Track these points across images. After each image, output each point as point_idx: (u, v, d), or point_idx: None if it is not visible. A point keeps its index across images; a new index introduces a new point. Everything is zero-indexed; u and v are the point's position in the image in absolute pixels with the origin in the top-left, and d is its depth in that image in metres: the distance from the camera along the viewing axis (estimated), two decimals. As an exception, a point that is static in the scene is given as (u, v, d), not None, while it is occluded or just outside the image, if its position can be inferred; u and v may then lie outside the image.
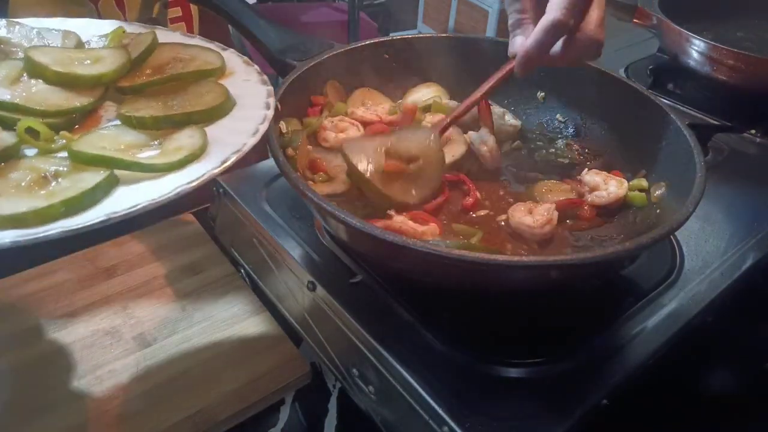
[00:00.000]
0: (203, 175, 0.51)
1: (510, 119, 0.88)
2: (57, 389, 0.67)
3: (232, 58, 0.71)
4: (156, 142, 0.57)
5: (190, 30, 1.20)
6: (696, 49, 1.07)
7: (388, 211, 0.68)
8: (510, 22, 0.73)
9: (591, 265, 0.55)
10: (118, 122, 0.60)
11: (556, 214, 0.70)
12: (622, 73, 1.21)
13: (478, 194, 0.76)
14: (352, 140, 0.75)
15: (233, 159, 0.54)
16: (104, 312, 0.77)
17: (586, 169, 0.79)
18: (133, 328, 0.75)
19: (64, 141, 0.56)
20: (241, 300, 0.80)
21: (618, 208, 0.75)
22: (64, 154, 0.54)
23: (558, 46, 0.69)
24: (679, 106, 1.10)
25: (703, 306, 0.68)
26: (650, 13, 1.15)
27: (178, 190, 0.50)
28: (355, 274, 0.70)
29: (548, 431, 0.55)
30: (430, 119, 0.83)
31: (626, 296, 0.69)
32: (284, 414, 0.71)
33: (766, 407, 0.79)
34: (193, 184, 0.50)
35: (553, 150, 0.88)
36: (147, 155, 0.55)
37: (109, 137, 0.56)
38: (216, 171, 0.52)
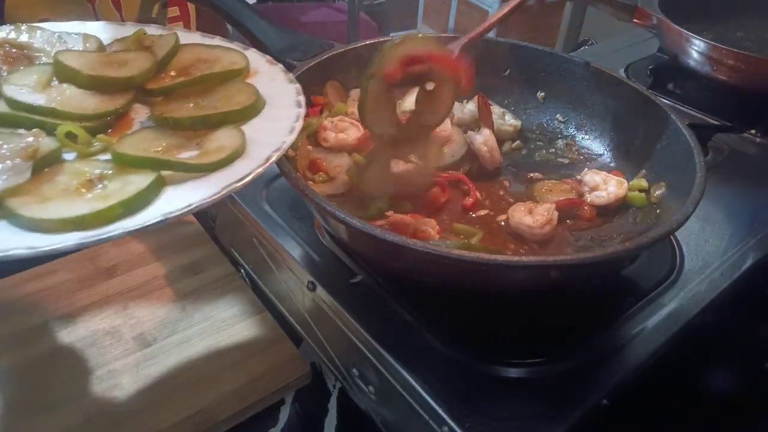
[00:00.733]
0: (250, 174, 0.52)
1: (510, 119, 0.88)
2: (57, 389, 0.67)
3: (255, 57, 0.71)
4: (194, 143, 0.58)
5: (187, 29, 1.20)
6: (696, 49, 1.07)
7: (387, 213, 0.68)
8: None
9: (591, 265, 0.55)
10: (149, 124, 0.61)
11: (556, 214, 0.70)
12: (622, 73, 1.21)
13: (478, 194, 0.76)
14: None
15: (275, 157, 0.54)
16: (104, 312, 0.77)
17: (586, 169, 0.79)
18: (133, 328, 0.75)
19: (100, 144, 0.57)
20: (241, 300, 0.80)
21: (618, 208, 0.75)
22: (104, 157, 0.55)
23: None
24: (679, 106, 1.10)
25: (703, 306, 0.68)
26: (650, 13, 1.14)
27: (228, 189, 0.50)
28: (355, 274, 0.70)
29: (548, 431, 0.55)
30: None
31: (626, 296, 0.69)
32: (284, 414, 0.71)
33: (766, 407, 0.79)
34: (243, 182, 0.51)
35: (553, 150, 0.88)
36: (187, 156, 0.55)
37: (147, 139, 0.57)
38: (260, 170, 0.53)
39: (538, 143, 0.89)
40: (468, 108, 0.87)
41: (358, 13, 2.77)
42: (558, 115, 0.91)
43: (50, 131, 0.55)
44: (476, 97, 0.86)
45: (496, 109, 0.88)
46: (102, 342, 0.73)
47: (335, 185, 0.73)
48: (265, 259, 0.78)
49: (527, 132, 0.90)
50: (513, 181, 0.81)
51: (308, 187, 0.59)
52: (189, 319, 0.77)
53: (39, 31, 0.68)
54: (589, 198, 0.75)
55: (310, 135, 0.77)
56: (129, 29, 0.72)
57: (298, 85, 0.66)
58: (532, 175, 0.83)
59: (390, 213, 0.68)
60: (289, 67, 0.78)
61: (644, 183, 0.75)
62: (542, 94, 0.92)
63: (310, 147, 0.76)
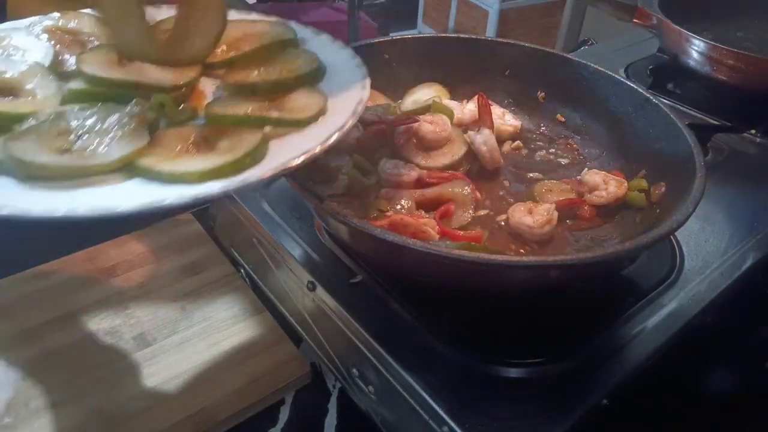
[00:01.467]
0: (347, 123, 0.55)
1: (510, 119, 0.88)
2: (57, 389, 0.67)
3: (299, 28, 0.72)
4: (272, 108, 0.59)
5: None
6: (696, 49, 1.07)
7: (386, 212, 0.68)
8: None
9: (591, 265, 0.55)
10: (221, 94, 0.63)
11: (556, 214, 0.70)
12: (622, 73, 1.21)
13: (478, 194, 0.76)
14: None
15: (360, 108, 0.58)
16: (104, 312, 0.77)
17: (586, 169, 0.79)
18: (133, 328, 0.75)
19: (187, 112, 0.59)
20: (241, 300, 0.80)
21: (618, 208, 0.75)
22: (197, 122, 0.58)
23: None
24: (679, 106, 1.10)
25: (703, 306, 0.68)
26: (650, 13, 1.14)
27: (337, 135, 0.54)
28: (355, 274, 0.70)
29: (548, 431, 0.55)
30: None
31: (626, 296, 0.69)
32: (284, 414, 0.71)
33: (766, 407, 0.79)
34: (344, 129, 0.54)
35: (553, 150, 0.88)
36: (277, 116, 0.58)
37: (231, 105, 0.59)
38: (353, 120, 0.56)
39: (538, 143, 0.89)
40: (468, 108, 0.87)
41: (358, 13, 2.76)
42: (558, 115, 0.91)
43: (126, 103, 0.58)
44: (476, 97, 0.86)
45: (496, 109, 0.88)
46: (102, 342, 0.73)
47: (335, 185, 0.73)
48: (265, 259, 0.78)
49: (527, 132, 0.90)
50: (513, 181, 0.81)
51: (308, 187, 0.59)
52: (189, 319, 0.77)
53: (86, 18, 0.70)
54: (588, 198, 0.75)
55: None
56: (165, 12, 0.72)
57: (350, 50, 0.68)
58: (532, 175, 0.82)
59: (390, 213, 0.68)
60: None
61: (644, 183, 0.75)
62: (542, 94, 0.92)
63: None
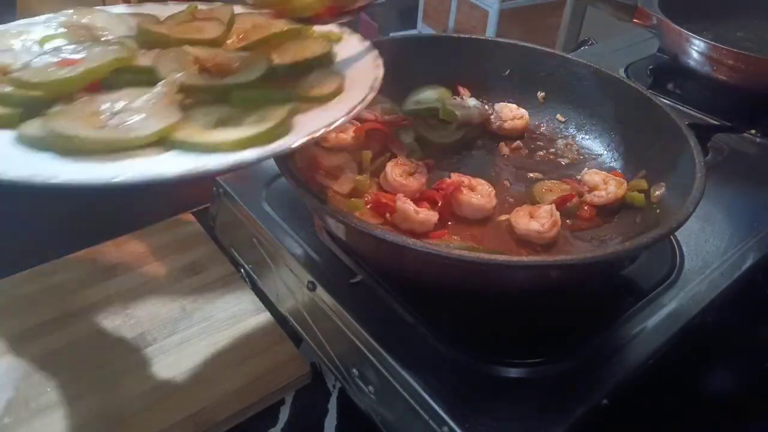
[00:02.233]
0: (366, 96, 0.59)
1: (519, 112, 0.89)
2: (57, 389, 0.67)
3: None
4: (290, 88, 0.63)
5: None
6: (696, 49, 1.07)
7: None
8: None
9: (591, 265, 0.55)
10: None
11: (558, 214, 0.70)
12: (622, 73, 1.21)
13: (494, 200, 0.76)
14: None
15: (377, 84, 0.62)
16: (104, 312, 0.77)
17: (586, 169, 0.79)
18: (133, 328, 0.75)
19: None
20: (241, 300, 0.80)
21: (618, 208, 0.75)
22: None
23: None
24: (679, 106, 1.10)
25: (703, 306, 0.68)
26: (650, 13, 1.14)
27: (359, 106, 0.58)
28: (355, 274, 0.70)
29: (548, 431, 0.55)
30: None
31: (626, 296, 0.69)
32: (284, 414, 0.71)
33: (766, 407, 0.79)
34: (364, 102, 0.59)
35: (553, 150, 0.88)
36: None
37: (254, 87, 0.61)
38: (372, 94, 0.60)
39: (538, 143, 0.89)
40: (471, 104, 0.88)
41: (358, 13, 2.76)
42: (558, 115, 0.91)
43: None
44: (474, 99, 0.87)
45: (506, 109, 0.88)
46: (102, 342, 0.73)
47: (338, 185, 0.73)
48: (265, 259, 0.78)
49: (527, 132, 0.90)
50: (513, 181, 0.81)
51: (307, 187, 0.59)
52: (189, 319, 0.77)
53: (97, 13, 0.72)
54: (588, 198, 0.75)
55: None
56: (172, 8, 0.74)
57: (358, 35, 0.72)
58: (532, 175, 0.83)
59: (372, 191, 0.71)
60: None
61: (644, 183, 0.75)
62: (542, 94, 0.92)
63: (309, 146, 0.76)
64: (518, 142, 0.88)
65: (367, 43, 0.70)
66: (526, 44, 0.91)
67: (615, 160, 0.84)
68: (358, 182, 0.73)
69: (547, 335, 0.64)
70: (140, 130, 0.53)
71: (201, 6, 0.74)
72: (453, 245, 0.65)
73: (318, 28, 0.73)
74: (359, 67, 0.66)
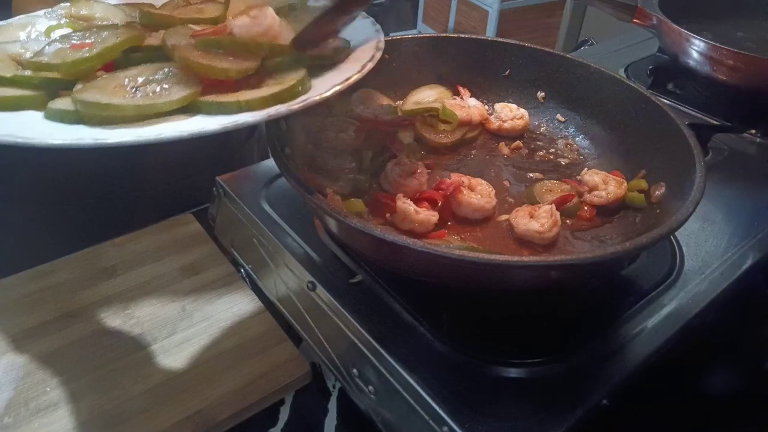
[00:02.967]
0: (373, 57, 0.64)
1: (519, 112, 0.89)
2: (57, 389, 0.67)
3: None
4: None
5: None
6: (696, 49, 1.07)
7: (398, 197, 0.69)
8: None
9: (591, 265, 0.55)
10: None
11: (558, 214, 0.70)
12: (622, 73, 1.21)
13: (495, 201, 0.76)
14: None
15: (379, 53, 0.66)
16: (104, 312, 0.77)
17: (586, 169, 0.79)
18: (133, 328, 0.75)
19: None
20: (241, 300, 0.80)
21: (618, 208, 0.75)
22: None
23: None
24: (679, 106, 1.10)
25: (703, 306, 0.68)
26: (650, 13, 1.14)
27: (367, 65, 0.63)
28: (355, 274, 0.70)
29: (548, 431, 0.55)
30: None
31: (626, 296, 0.69)
32: (284, 414, 0.71)
33: (766, 407, 0.79)
34: (374, 60, 0.64)
35: (553, 150, 0.88)
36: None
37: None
38: (379, 54, 0.65)
39: (538, 143, 0.89)
40: (471, 104, 0.88)
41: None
42: (558, 115, 0.91)
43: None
44: (475, 101, 0.87)
45: (506, 109, 0.89)
46: (102, 342, 0.73)
47: (338, 185, 0.73)
48: (265, 259, 0.78)
49: (527, 132, 0.90)
50: (513, 181, 0.81)
51: (307, 187, 0.59)
52: (189, 319, 0.77)
53: (95, 4, 0.73)
54: (588, 198, 0.75)
55: (310, 134, 0.77)
56: None
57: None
58: (532, 175, 0.83)
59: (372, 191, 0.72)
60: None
61: (643, 183, 0.75)
62: (542, 94, 0.92)
63: (310, 146, 0.76)
64: (518, 142, 0.88)
65: (363, 13, 0.73)
66: (526, 44, 0.91)
67: (615, 160, 0.83)
68: (358, 182, 0.73)
69: (547, 335, 0.64)
70: (169, 95, 0.56)
71: None
72: (453, 245, 0.65)
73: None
74: (362, 32, 0.70)
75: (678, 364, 0.69)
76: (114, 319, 0.76)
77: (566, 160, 0.86)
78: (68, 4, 0.71)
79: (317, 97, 0.57)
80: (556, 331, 0.64)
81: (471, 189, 0.74)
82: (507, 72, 0.93)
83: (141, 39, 0.63)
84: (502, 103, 0.91)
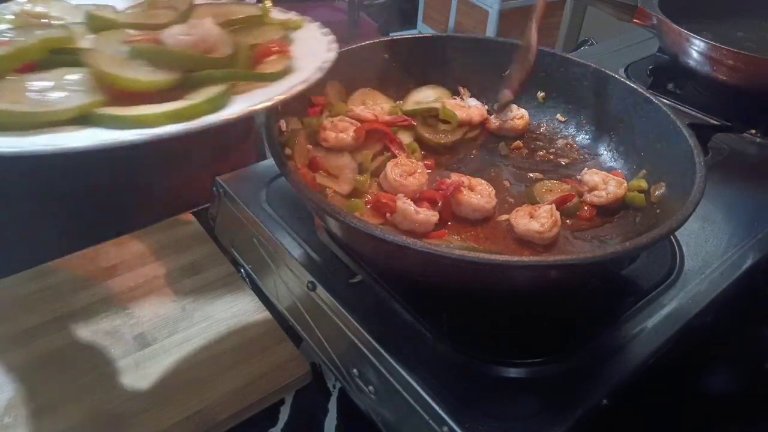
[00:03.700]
0: (309, 78, 0.60)
1: (519, 112, 0.89)
2: (57, 389, 0.67)
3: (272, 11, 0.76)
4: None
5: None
6: (696, 49, 1.07)
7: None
8: None
9: (591, 265, 0.55)
10: None
11: (558, 214, 0.70)
12: (622, 73, 1.21)
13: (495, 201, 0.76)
14: None
15: (327, 66, 0.63)
16: (104, 312, 0.77)
17: (586, 169, 0.79)
18: (133, 328, 0.75)
19: None
20: (241, 300, 0.80)
21: (618, 208, 0.75)
22: None
23: None
24: (679, 106, 1.10)
25: (703, 306, 0.68)
26: (650, 13, 1.14)
27: (296, 87, 0.58)
28: (355, 274, 0.70)
29: (548, 431, 0.55)
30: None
31: (626, 296, 0.69)
32: (284, 414, 0.71)
33: (766, 407, 0.79)
34: (307, 82, 0.59)
35: (553, 150, 0.88)
36: None
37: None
38: (318, 75, 0.61)
39: (538, 143, 0.89)
40: (471, 104, 0.88)
41: (358, 13, 2.77)
42: (558, 115, 0.91)
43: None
44: (474, 101, 0.87)
45: (512, 106, 0.89)
46: (102, 342, 0.73)
47: (337, 185, 0.73)
48: (265, 259, 0.78)
49: (527, 132, 0.90)
50: (513, 181, 0.81)
51: (307, 187, 0.59)
52: (189, 319, 0.77)
53: (54, 2, 0.71)
54: (588, 198, 0.75)
55: (310, 134, 0.78)
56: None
57: (318, 23, 0.74)
58: (532, 175, 0.83)
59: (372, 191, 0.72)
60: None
61: (643, 183, 0.75)
62: (542, 94, 0.92)
63: (309, 146, 0.76)
64: (518, 142, 0.88)
65: (324, 30, 0.72)
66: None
67: (615, 160, 0.84)
68: (358, 182, 0.73)
69: (547, 335, 0.64)
70: (59, 105, 0.52)
71: None
72: (453, 245, 0.65)
73: (277, 16, 0.75)
74: (312, 51, 0.67)
75: (678, 364, 0.69)
76: (114, 319, 0.76)
77: (566, 160, 0.86)
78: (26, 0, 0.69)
79: (213, 121, 0.53)
80: (556, 331, 0.64)
81: (471, 189, 0.74)
82: (507, 72, 0.93)
83: (63, 41, 0.60)
84: None
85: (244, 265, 0.84)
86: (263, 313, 0.78)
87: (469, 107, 0.89)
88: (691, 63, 1.10)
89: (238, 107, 0.55)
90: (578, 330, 0.64)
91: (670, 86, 1.16)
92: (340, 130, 0.77)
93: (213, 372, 0.70)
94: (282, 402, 0.71)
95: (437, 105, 0.86)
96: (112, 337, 0.74)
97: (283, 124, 0.74)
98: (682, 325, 0.66)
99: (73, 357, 0.71)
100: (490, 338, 0.63)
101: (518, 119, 0.88)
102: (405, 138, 0.83)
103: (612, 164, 0.83)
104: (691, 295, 0.70)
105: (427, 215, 0.68)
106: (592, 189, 0.75)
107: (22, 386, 0.67)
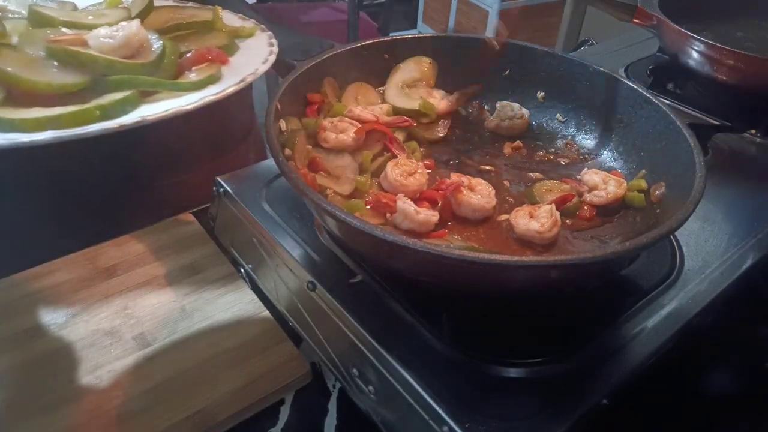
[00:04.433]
0: (225, 89, 0.59)
1: (520, 111, 0.89)
2: (57, 389, 0.67)
3: (228, 16, 0.77)
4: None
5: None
6: (696, 49, 1.07)
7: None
8: None
9: (591, 265, 0.55)
10: None
11: (558, 214, 0.70)
12: (622, 73, 1.21)
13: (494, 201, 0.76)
14: None
15: (249, 79, 0.62)
16: (104, 312, 0.77)
17: (586, 169, 0.79)
18: (133, 328, 0.75)
19: None
20: (241, 300, 0.80)
21: (618, 208, 0.75)
22: None
23: None
24: (679, 106, 1.10)
25: (703, 306, 0.68)
26: (650, 13, 1.14)
27: (205, 100, 0.58)
28: (355, 274, 0.70)
29: (548, 431, 0.55)
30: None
31: (626, 296, 0.69)
32: (284, 414, 0.71)
33: (766, 407, 0.79)
34: (217, 95, 0.58)
35: (553, 150, 0.88)
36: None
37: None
38: (234, 87, 0.60)
39: (538, 143, 0.89)
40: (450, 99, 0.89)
41: (358, 13, 2.77)
42: (558, 115, 0.91)
43: None
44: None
45: (514, 105, 0.89)
46: (102, 342, 0.73)
47: (337, 185, 0.73)
48: (264, 259, 0.78)
49: (527, 132, 0.90)
50: (513, 181, 0.81)
51: (307, 187, 0.59)
52: (189, 319, 0.77)
53: None
54: (588, 197, 0.75)
55: (310, 135, 0.78)
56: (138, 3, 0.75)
57: (270, 33, 0.74)
58: (532, 174, 0.83)
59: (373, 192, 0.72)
60: (289, 67, 0.78)
61: (643, 183, 0.75)
62: (542, 94, 0.92)
63: (309, 147, 0.76)
64: (518, 142, 0.88)
65: (271, 41, 0.72)
66: (526, 44, 0.91)
67: (615, 160, 0.84)
68: (358, 183, 0.73)
69: (547, 335, 0.64)
70: None
71: None
72: (453, 245, 0.65)
73: (232, 23, 0.75)
74: (249, 61, 0.67)
75: (678, 364, 0.69)
76: (114, 319, 0.76)
77: (566, 160, 0.86)
78: None
79: (94, 130, 0.51)
80: (556, 331, 0.64)
81: (471, 189, 0.74)
82: (507, 72, 0.93)
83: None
84: (503, 102, 0.91)
85: (244, 265, 0.84)
86: (263, 313, 0.78)
87: (438, 99, 0.89)
88: (691, 63, 1.10)
89: (131, 117, 0.54)
90: (578, 330, 0.64)
91: (670, 86, 1.16)
92: (340, 131, 0.77)
93: (213, 372, 0.70)
94: (282, 402, 0.71)
95: (415, 106, 0.86)
96: (112, 337, 0.74)
97: (283, 124, 0.74)
98: (682, 325, 0.66)
99: (73, 357, 0.71)
100: (490, 338, 0.63)
101: (518, 119, 0.88)
102: (399, 136, 0.83)
103: (612, 164, 0.83)
104: (691, 295, 0.70)
105: (428, 215, 0.68)
106: (592, 189, 0.75)
107: (22, 386, 0.67)
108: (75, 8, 0.71)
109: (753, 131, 1.03)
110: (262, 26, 0.75)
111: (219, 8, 0.74)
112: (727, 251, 0.77)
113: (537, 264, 0.54)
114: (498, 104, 0.91)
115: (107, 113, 0.53)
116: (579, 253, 0.65)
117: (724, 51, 1.02)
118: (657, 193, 0.72)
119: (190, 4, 0.77)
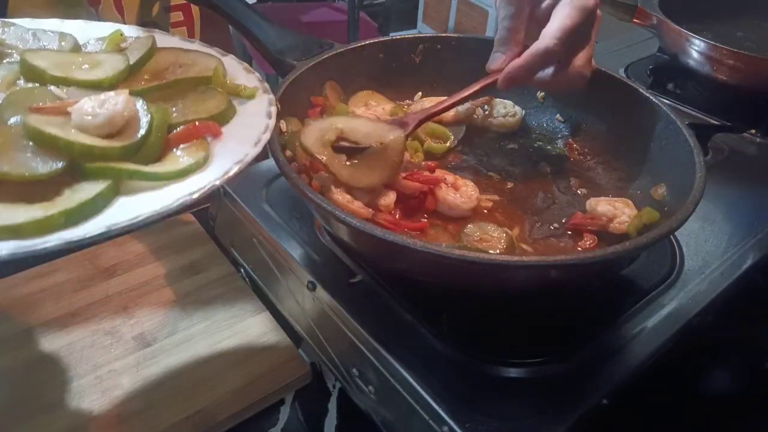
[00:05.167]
0: (205, 187, 0.50)
1: (513, 109, 0.89)
2: (57, 389, 0.67)
3: (232, 64, 0.70)
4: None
5: (191, 35, 1.20)
6: (696, 49, 1.07)
7: None
8: (497, 36, 0.75)
9: (591, 265, 0.55)
10: None
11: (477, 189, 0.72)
12: (622, 73, 1.21)
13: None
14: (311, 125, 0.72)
15: (235, 170, 0.53)
16: (104, 312, 0.77)
17: (589, 201, 0.74)
18: (133, 328, 0.75)
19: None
20: (241, 300, 0.80)
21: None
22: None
23: (546, 72, 0.72)
24: (679, 106, 1.10)
25: (703, 306, 0.68)
26: (650, 13, 1.15)
27: (180, 201, 0.49)
28: (355, 274, 0.70)
29: (548, 431, 0.55)
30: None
31: (626, 296, 0.69)
32: (284, 414, 0.71)
33: (766, 407, 0.79)
34: (195, 195, 0.49)
35: (553, 150, 0.88)
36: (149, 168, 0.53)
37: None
38: (217, 182, 0.51)
39: (538, 143, 0.89)
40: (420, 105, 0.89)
41: (358, 13, 2.77)
42: (558, 115, 0.91)
43: None
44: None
45: (507, 103, 0.89)
46: (102, 342, 0.73)
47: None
48: (265, 259, 0.78)
49: (527, 132, 0.90)
50: (512, 180, 0.81)
51: (308, 187, 0.59)
52: (189, 319, 0.77)
53: (12, 27, 0.66)
54: (612, 227, 0.69)
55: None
56: (108, 28, 0.70)
57: (271, 96, 0.65)
58: (532, 174, 0.82)
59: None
60: (289, 67, 0.78)
61: (655, 214, 0.68)
62: (542, 94, 0.92)
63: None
64: (518, 142, 0.88)
65: (270, 110, 0.63)
66: (526, 44, 0.91)
67: (615, 160, 0.83)
68: None
69: (547, 335, 0.64)
70: None
71: (135, 32, 0.70)
72: (453, 245, 0.64)
73: (233, 72, 0.68)
74: (243, 138, 0.58)
75: (678, 364, 0.69)
76: (114, 319, 0.76)
77: (566, 160, 0.86)
78: None
79: (67, 240, 0.44)
80: (556, 331, 0.64)
81: (456, 188, 0.73)
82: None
83: None
84: (497, 99, 0.91)
85: (244, 265, 0.84)
86: (263, 313, 0.78)
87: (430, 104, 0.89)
88: (691, 63, 1.10)
89: (96, 227, 0.45)
90: (578, 330, 0.64)
91: (670, 86, 1.17)
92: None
93: (213, 372, 0.70)
94: (282, 402, 0.71)
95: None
96: (112, 337, 0.74)
97: (283, 124, 0.74)
98: (682, 325, 0.66)
99: (73, 357, 0.71)
100: (490, 338, 0.63)
101: (510, 116, 0.88)
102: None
103: (612, 164, 0.83)
104: (691, 295, 0.70)
105: (358, 206, 0.66)
106: (611, 219, 0.70)
107: (22, 386, 0.67)
108: (75, 44, 0.66)
109: (753, 131, 1.03)
110: (265, 84, 0.67)
111: (221, 65, 0.68)
112: (727, 251, 0.77)
113: (537, 264, 0.54)
114: (494, 101, 0.91)
115: (73, 219, 0.46)
116: (579, 253, 0.65)
117: (724, 51, 1.03)
118: (657, 193, 0.72)
119: (196, 43, 0.71)
